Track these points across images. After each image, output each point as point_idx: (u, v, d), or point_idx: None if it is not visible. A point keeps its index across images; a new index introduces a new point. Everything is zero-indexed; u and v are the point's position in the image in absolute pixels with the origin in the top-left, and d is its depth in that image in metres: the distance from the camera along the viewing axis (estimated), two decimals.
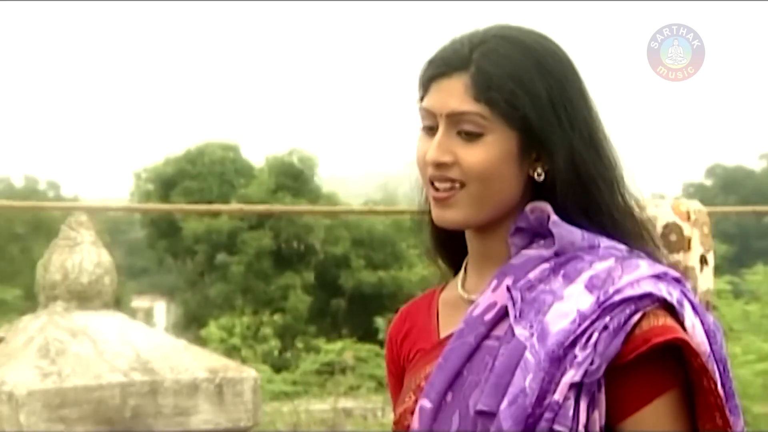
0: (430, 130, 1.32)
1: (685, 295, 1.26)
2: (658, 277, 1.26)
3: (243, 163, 28.92)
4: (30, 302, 26.52)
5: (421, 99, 1.35)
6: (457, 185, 1.30)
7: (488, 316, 1.28)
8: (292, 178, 27.87)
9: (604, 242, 1.29)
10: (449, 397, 1.27)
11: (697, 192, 45.19)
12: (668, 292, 1.24)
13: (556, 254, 1.28)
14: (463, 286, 1.39)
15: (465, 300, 1.36)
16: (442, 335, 1.37)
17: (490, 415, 1.20)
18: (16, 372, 3.41)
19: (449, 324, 1.36)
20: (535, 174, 1.31)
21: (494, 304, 1.28)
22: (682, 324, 1.23)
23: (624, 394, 1.21)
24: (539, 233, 1.31)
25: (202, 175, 27.83)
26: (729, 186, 43.86)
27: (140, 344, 3.66)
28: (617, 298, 1.21)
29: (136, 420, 3.49)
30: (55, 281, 3.73)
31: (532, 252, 1.30)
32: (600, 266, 1.25)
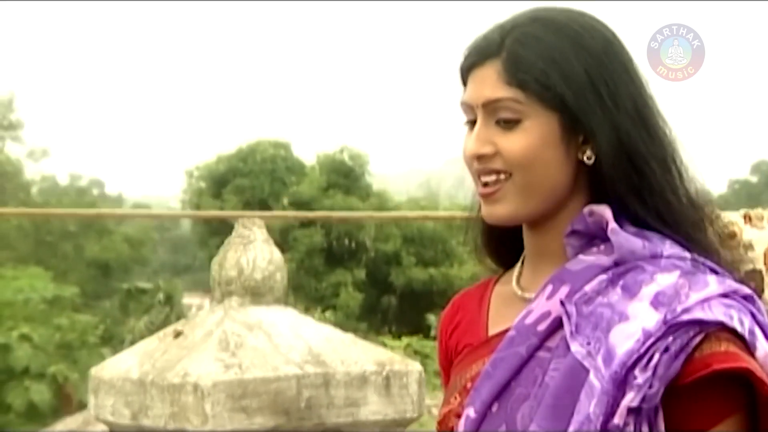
0: (472, 124, 1.27)
1: (756, 318, 1.18)
2: (727, 296, 1.18)
3: (294, 160, 29.17)
4: (86, 299, 26.69)
5: None
6: (503, 176, 1.24)
7: (541, 327, 1.21)
8: (343, 176, 28.04)
9: (667, 250, 1.21)
10: (495, 407, 1.21)
11: (743, 188, 44.83)
12: (740, 320, 1.15)
13: (615, 263, 1.21)
14: (518, 281, 1.33)
15: (519, 297, 1.31)
16: (491, 331, 1.32)
17: None
18: (200, 364, 3.52)
19: (500, 319, 1.31)
20: (585, 157, 1.23)
21: (548, 314, 1.22)
22: (751, 352, 1.15)
23: (683, 417, 1.14)
24: (597, 237, 1.24)
25: (254, 173, 28.06)
26: None
27: (311, 338, 3.76)
28: (685, 317, 1.14)
29: (309, 411, 3.59)
30: (231, 277, 3.85)
31: (590, 258, 1.23)
32: (664, 280, 1.18)
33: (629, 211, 1.23)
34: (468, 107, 1.27)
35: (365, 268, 26.56)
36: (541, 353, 1.20)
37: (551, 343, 1.20)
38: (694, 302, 1.15)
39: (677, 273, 1.19)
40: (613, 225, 1.21)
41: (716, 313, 1.14)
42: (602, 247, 1.23)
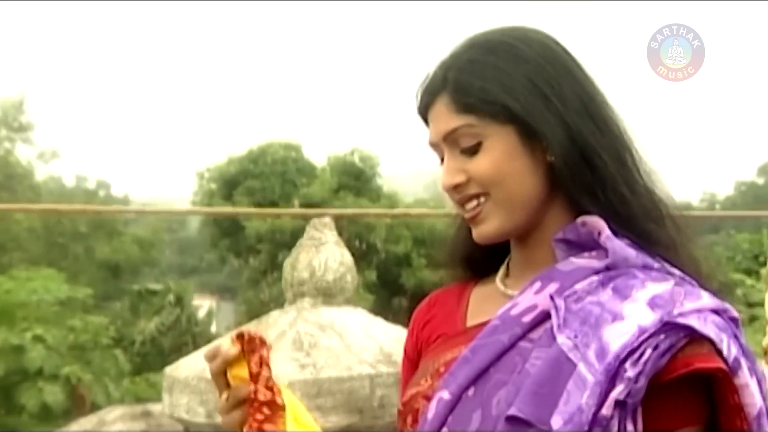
0: (443, 161, 1.31)
1: (741, 346, 1.19)
2: (718, 313, 1.20)
3: (305, 162, 29.14)
4: (97, 301, 26.65)
5: None
6: (483, 198, 1.28)
7: (527, 318, 1.23)
8: (354, 178, 28.06)
9: (658, 263, 1.23)
10: (471, 391, 1.22)
11: (750, 190, 44.80)
12: (728, 345, 1.17)
13: (607, 268, 1.22)
14: (503, 280, 1.36)
15: (501, 293, 1.34)
16: (469, 323, 1.35)
17: (522, 422, 1.14)
18: (274, 364, 3.58)
19: (478, 313, 1.34)
20: (550, 159, 1.26)
21: (535, 306, 1.23)
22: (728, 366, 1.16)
23: (658, 414, 1.15)
24: (587, 245, 1.26)
25: (265, 175, 28.07)
26: None
27: (382, 338, 3.82)
28: (681, 320, 1.15)
29: (382, 409, 3.66)
30: (303, 279, 3.91)
31: (581, 261, 1.24)
32: (658, 287, 1.20)
33: (581, 209, 1.26)
34: (434, 146, 1.32)
35: (376, 269, 26.56)
36: (523, 343, 1.21)
37: (534, 334, 1.22)
38: (689, 309, 1.17)
39: (672, 282, 1.21)
40: (607, 233, 1.23)
41: (709, 329, 1.16)
42: (594, 253, 1.25)
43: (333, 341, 3.74)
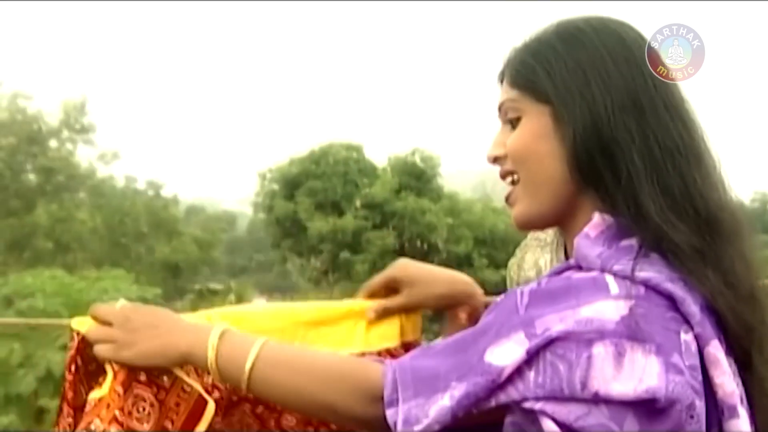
0: None
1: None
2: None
3: (366, 163, 29.28)
4: (166, 301, 26.98)
5: None
6: (515, 176, 1.29)
7: None
8: (415, 178, 28.13)
9: (618, 266, 1.16)
10: None
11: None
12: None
13: (579, 266, 1.19)
14: None
15: None
16: None
17: None
18: None
19: None
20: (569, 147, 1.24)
21: None
22: None
23: None
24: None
25: (326, 175, 28.21)
26: None
27: None
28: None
29: None
30: (529, 278, 3.94)
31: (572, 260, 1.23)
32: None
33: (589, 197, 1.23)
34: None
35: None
36: None
37: None
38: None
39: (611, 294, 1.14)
40: (586, 230, 1.21)
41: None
42: None
43: None
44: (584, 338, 1.10)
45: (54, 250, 27.20)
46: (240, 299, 28.74)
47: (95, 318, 1.33)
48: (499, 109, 1.32)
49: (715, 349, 1.15)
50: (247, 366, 1.23)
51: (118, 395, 1.31)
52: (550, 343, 1.11)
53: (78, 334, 1.38)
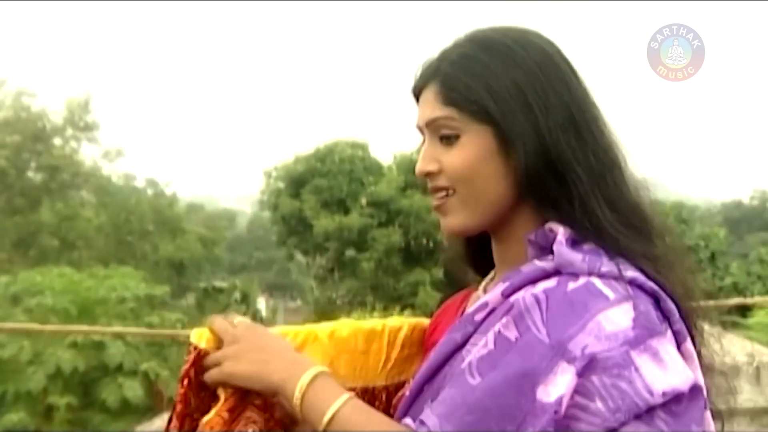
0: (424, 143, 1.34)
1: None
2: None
3: (372, 161, 29.30)
4: (175, 299, 26.84)
5: None
6: (450, 191, 1.30)
7: (478, 316, 1.25)
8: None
9: (605, 266, 1.20)
10: (426, 386, 1.27)
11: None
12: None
13: (557, 271, 1.21)
14: (485, 286, 1.40)
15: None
16: None
17: None
18: None
19: None
20: (517, 166, 1.26)
21: (486, 304, 1.25)
22: None
23: None
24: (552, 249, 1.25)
25: (332, 173, 28.20)
26: None
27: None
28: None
29: None
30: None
31: (540, 264, 1.24)
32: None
33: (540, 216, 1.27)
34: (419, 129, 1.35)
35: (443, 267, 26.66)
36: (473, 339, 1.24)
37: (482, 330, 1.24)
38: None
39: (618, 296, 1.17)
40: (560, 238, 1.23)
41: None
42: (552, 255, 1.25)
43: None
44: (620, 353, 1.12)
45: (59, 248, 27.21)
46: (245, 297, 28.82)
47: (212, 331, 1.34)
48: (427, 125, 1.31)
49: (690, 345, 1.21)
50: (325, 418, 1.23)
51: (223, 420, 1.32)
52: (592, 362, 1.11)
53: (195, 348, 1.38)
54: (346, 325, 1.52)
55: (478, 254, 1.44)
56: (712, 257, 29.85)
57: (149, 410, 18.97)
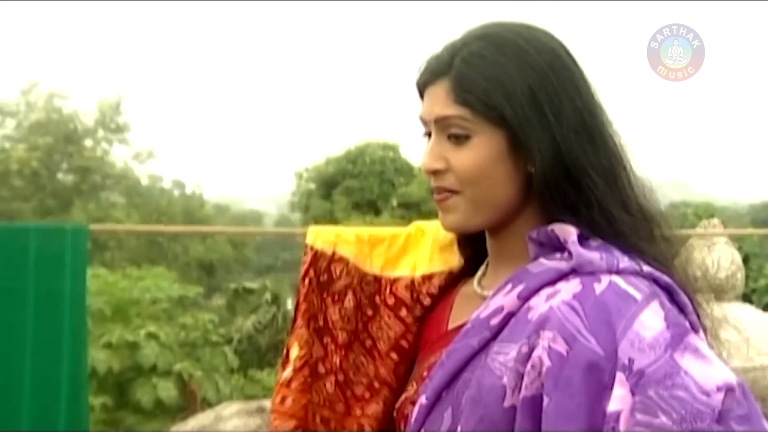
0: (429, 136, 1.32)
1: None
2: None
3: (403, 162, 29.25)
4: (205, 300, 26.91)
5: None
6: (456, 191, 1.28)
7: (494, 321, 1.22)
8: None
9: (624, 263, 1.19)
10: (444, 393, 1.23)
11: None
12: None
13: (574, 270, 1.19)
14: (479, 281, 1.38)
15: (478, 295, 1.35)
16: (451, 326, 1.38)
17: None
18: None
19: (459, 315, 1.36)
20: (532, 171, 1.25)
21: (501, 308, 1.22)
22: None
23: None
24: (558, 248, 1.24)
25: (363, 175, 28.25)
26: None
27: None
28: None
29: None
30: (695, 276, 4.04)
31: (551, 263, 1.22)
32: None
33: (559, 221, 1.24)
34: (423, 122, 1.33)
35: None
36: (492, 345, 1.21)
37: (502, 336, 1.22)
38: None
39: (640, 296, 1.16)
40: (573, 238, 1.21)
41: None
42: (565, 254, 1.22)
43: (731, 334, 3.86)
44: (666, 360, 1.09)
45: (91, 249, 27.34)
46: (275, 298, 28.81)
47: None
48: (437, 121, 1.29)
49: (702, 338, 1.19)
50: None
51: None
52: (643, 378, 1.08)
53: (311, 248, 1.45)
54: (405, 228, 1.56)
55: (467, 241, 1.44)
56: (746, 259, 29.65)
57: (183, 410, 19.05)
